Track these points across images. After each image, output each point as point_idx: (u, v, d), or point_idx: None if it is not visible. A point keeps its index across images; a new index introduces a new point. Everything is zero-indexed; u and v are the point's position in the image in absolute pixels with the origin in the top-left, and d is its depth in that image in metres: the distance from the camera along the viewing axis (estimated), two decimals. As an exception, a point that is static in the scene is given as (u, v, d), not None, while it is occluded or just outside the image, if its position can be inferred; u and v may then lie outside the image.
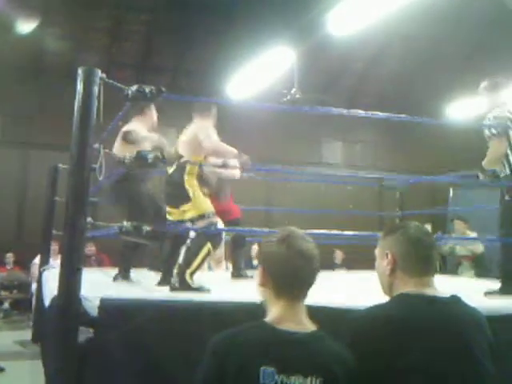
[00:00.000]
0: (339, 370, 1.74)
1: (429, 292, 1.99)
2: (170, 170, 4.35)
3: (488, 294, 3.95)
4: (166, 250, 4.91)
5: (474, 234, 7.66)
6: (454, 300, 2.03)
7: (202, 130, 4.41)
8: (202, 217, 4.18)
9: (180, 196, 4.22)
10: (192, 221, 4.20)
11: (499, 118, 4.22)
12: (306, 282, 1.88)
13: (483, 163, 4.32)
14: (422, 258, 2.03)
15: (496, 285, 4.13)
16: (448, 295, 2.02)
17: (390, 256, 2.05)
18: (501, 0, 7.29)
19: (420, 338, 1.86)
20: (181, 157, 4.35)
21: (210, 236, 4.08)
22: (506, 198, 4.21)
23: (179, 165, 4.29)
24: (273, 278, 1.86)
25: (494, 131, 4.22)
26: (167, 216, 4.39)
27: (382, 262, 2.08)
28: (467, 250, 7.57)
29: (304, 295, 1.88)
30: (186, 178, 4.24)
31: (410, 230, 2.08)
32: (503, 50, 9.94)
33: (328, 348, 1.80)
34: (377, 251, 2.13)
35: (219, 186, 5.49)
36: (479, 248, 7.62)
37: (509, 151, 4.20)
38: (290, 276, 1.84)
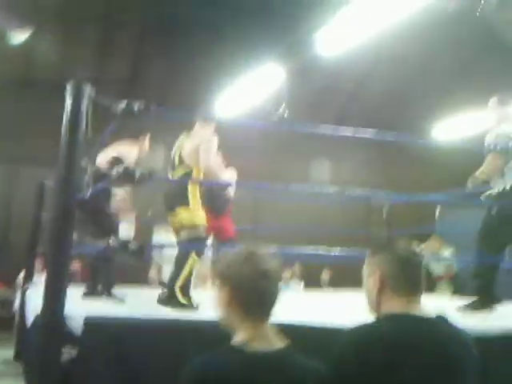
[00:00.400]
0: (313, 381, 1.77)
1: (416, 312, 1.98)
2: (173, 175, 4.38)
3: (459, 309, 3.98)
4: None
5: (450, 251, 7.76)
6: (441, 320, 2.02)
7: (204, 143, 4.41)
8: (193, 227, 4.18)
9: (179, 198, 4.22)
10: (182, 226, 4.20)
11: (501, 135, 4.28)
12: (272, 301, 1.86)
13: (476, 173, 4.38)
14: (411, 277, 2.02)
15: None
16: (435, 315, 2.01)
17: (378, 275, 2.03)
18: (488, 21, 7.37)
19: (407, 357, 1.85)
20: (182, 164, 4.37)
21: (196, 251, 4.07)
22: (492, 213, 4.25)
23: (183, 172, 4.34)
24: (238, 299, 1.83)
25: (492, 146, 4.29)
26: (180, 219, 4.34)
27: (370, 281, 2.06)
28: (442, 267, 7.64)
29: (270, 314, 1.86)
30: (189, 185, 4.27)
31: (399, 249, 2.07)
32: (491, 70, 10.05)
33: (299, 362, 1.81)
34: (364, 270, 2.11)
35: (222, 202, 5.50)
36: (454, 266, 7.74)
37: (506, 169, 4.25)
38: (256, 296, 1.82)
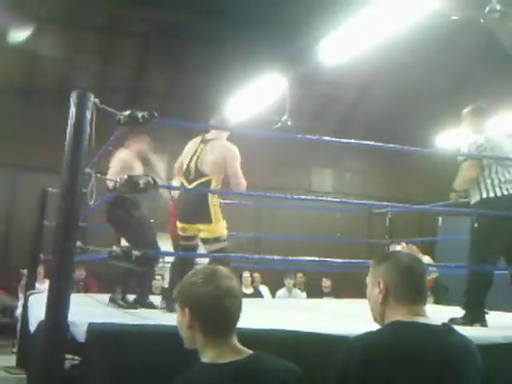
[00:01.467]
0: (290, 378, 1.82)
1: (421, 320, 1.99)
2: (189, 184, 4.30)
3: (451, 320, 3.95)
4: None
5: (427, 258, 7.80)
6: (446, 328, 2.03)
7: (231, 153, 4.42)
8: (216, 240, 4.20)
9: (200, 214, 4.18)
10: (206, 241, 4.22)
11: (474, 145, 4.29)
12: (235, 319, 1.88)
13: (454, 184, 4.40)
14: (414, 286, 2.03)
15: (456, 312, 4.13)
16: (440, 323, 2.02)
17: (382, 284, 2.04)
18: (490, 31, 7.39)
19: (411, 365, 1.86)
20: (201, 173, 4.30)
21: (221, 260, 4.03)
22: (475, 225, 4.25)
23: (203, 182, 4.28)
24: (201, 320, 1.84)
25: (465, 156, 4.31)
26: (179, 232, 4.36)
27: (374, 291, 2.07)
28: None
29: (234, 330, 1.88)
30: (209, 196, 4.20)
31: (403, 259, 2.08)
32: (493, 81, 10.08)
33: (272, 362, 1.85)
34: (368, 279, 2.12)
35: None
36: (432, 274, 7.81)
37: (481, 178, 4.25)
38: (220, 316, 1.84)
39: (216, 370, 1.77)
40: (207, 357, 1.83)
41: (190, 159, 4.41)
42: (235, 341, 1.87)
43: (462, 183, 4.38)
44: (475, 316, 3.93)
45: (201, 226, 4.22)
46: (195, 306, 1.84)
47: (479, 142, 4.29)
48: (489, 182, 4.22)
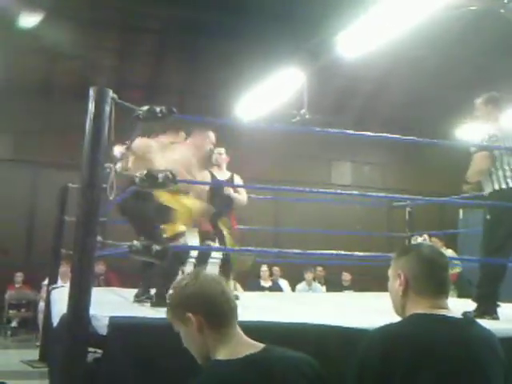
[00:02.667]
0: (307, 368, 1.83)
1: (442, 312, 1.98)
2: None
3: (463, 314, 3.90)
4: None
5: (450, 251, 7.72)
6: (468, 321, 2.01)
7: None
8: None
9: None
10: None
11: (487, 134, 4.23)
12: (235, 314, 1.90)
13: (466, 176, 4.34)
14: (436, 278, 2.02)
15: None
16: (462, 316, 2.00)
17: (402, 277, 2.03)
18: (510, 22, 7.30)
19: (432, 358, 1.84)
20: None
21: None
22: (487, 217, 4.20)
23: None
24: (208, 323, 1.85)
25: (477, 147, 4.25)
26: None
27: (395, 283, 2.06)
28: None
29: (236, 323, 1.89)
30: None
31: (424, 251, 2.07)
32: (510, 74, 9.96)
33: (287, 354, 1.85)
34: (389, 272, 2.11)
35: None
36: (456, 268, 7.72)
37: (493, 169, 4.19)
38: (222, 313, 1.86)
39: (234, 364, 1.77)
40: (222, 354, 1.83)
41: None
42: (243, 335, 1.88)
43: (475, 175, 4.31)
44: (486, 308, 3.87)
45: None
46: (199, 310, 1.85)
47: (492, 132, 4.23)
48: (501, 173, 4.15)
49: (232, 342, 1.84)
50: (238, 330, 1.89)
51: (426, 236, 7.88)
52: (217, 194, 5.34)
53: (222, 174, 5.55)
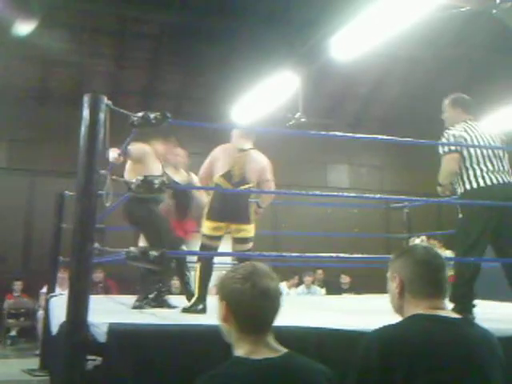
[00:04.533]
0: (322, 380, 1.80)
1: (440, 313, 1.98)
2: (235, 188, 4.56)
3: None
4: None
5: (449, 252, 7.73)
6: (467, 321, 2.02)
7: (268, 164, 4.87)
8: (251, 239, 4.62)
9: (246, 214, 4.57)
10: (242, 241, 4.57)
11: (454, 136, 4.24)
12: (271, 318, 1.87)
13: (438, 179, 4.35)
14: (430, 280, 2.02)
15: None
16: (460, 316, 2.00)
17: (398, 279, 2.05)
18: (502, 23, 7.32)
19: (431, 358, 1.84)
20: (245, 180, 4.59)
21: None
22: (459, 216, 4.20)
23: (246, 188, 4.58)
24: (235, 316, 1.84)
25: (446, 149, 4.24)
26: (208, 231, 4.52)
27: (392, 285, 2.08)
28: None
29: (270, 328, 1.86)
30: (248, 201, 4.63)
31: (418, 253, 2.08)
32: (505, 73, 9.99)
33: (305, 363, 1.84)
34: (387, 274, 2.13)
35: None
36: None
37: (463, 170, 4.20)
38: (253, 316, 1.83)
39: (249, 364, 1.77)
40: (241, 351, 1.82)
41: (232, 167, 4.64)
42: (271, 339, 1.86)
43: (445, 177, 4.31)
44: (461, 308, 3.85)
45: (243, 226, 4.54)
46: (231, 301, 1.84)
47: (457, 133, 4.24)
48: (471, 173, 4.15)
49: (255, 344, 1.82)
50: (267, 335, 1.86)
51: (423, 237, 7.88)
52: (178, 197, 5.44)
53: (178, 175, 5.57)
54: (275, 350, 1.83)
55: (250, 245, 4.61)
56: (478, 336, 1.97)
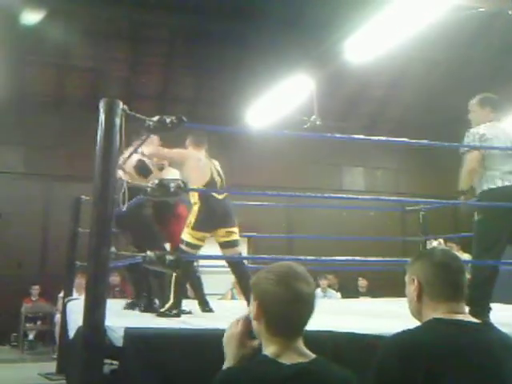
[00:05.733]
0: None
1: (459, 317, 1.96)
2: (220, 196, 4.60)
3: None
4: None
5: (467, 256, 7.66)
6: (486, 326, 1.99)
7: None
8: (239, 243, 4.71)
9: (233, 220, 4.64)
10: (236, 244, 4.65)
11: (476, 135, 4.19)
12: (302, 323, 1.83)
13: (459, 185, 4.27)
14: (449, 283, 2.00)
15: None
16: (479, 321, 1.98)
17: (416, 282, 2.03)
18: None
19: (449, 364, 1.82)
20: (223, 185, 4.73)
21: None
22: (477, 217, 4.13)
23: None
24: (267, 317, 1.81)
25: (467, 148, 4.20)
26: (222, 238, 4.62)
27: (410, 288, 2.06)
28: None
29: (300, 333, 1.83)
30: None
31: (436, 255, 2.06)
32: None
33: (334, 372, 1.80)
34: (406, 278, 2.11)
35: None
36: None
37: (482, 170, 4.13)
38: (285, 318, 1.80)
39: (277, 367, 1.74)
40: (269, 351, 1.80)
41: (219, 171, 4.79)
42: (300, 343, 1.83)
43: (466, 178, 4.22)
44: (477, 311, 3.79)
45: (232, 229, 4.63)
46: (262, 302, 1.82)
47: (481, 131, 4.18)
48: (490, 173, 4.10)
49: (284, 347, 1.79)
50: (298, 340, 1.83)
51: (441, 240, 7.81)
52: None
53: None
54: (304, 354, 1.81)
55: (239, 248, 4.74)
56: (497, 340, 1.94)
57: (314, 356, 1.82)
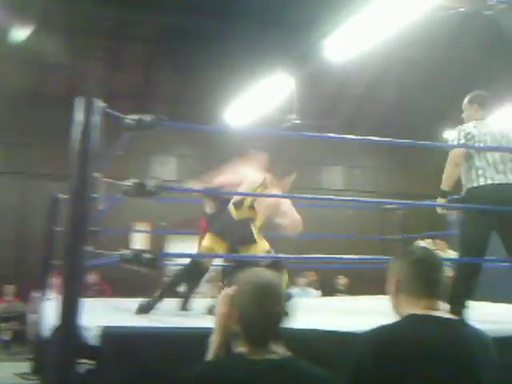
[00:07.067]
0: None
1: (435, 313, 1.98)
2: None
3: None
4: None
5: (454, 254, 7.74)
6: (462, 322, 2.02)
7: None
8: None
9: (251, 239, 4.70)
10: None
11: (463, 131, 4.23)
12: (272, 332, 1.87)
13: (442, 184, 4.31)
14: (425, 279, 2.03)
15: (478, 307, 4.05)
16: (455, 317, 2.01)
17: (394, 279, 2.08)
18: (497, 25, 7.35)
19: (424, 358, 1.85)
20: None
21: None
22: (462, 216, 4.20)
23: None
24: (241, 324, 1.87)
25: (453, 144, 4.24)
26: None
27: (390, 285, 2.10)
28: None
29: (270, 336, 1.86)
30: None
31: (414, 253, 2.10)
32: (502, 73, 10.02)
33: (305, 368, 1.82)
34: (388, 275, 2.15)
35: None
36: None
37: (467, 168, 4.17)
38: (259, 324, 1.85)
39: (249, 363, 1.78)
40: (242, 350, 1.84)
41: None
42: (274, 344, 1.86)
43: (449, 173, 4.26)
44: (457, 308, 3.82)
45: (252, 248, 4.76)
46: (240, 312, 1.88)
47: (467, 129, 4.22)
48: (475, 171, 4.15)
49: (255, 346, 1.83)
50: (270, 341, 1.86)
51: (429, 240, 7.84)
52: None
53: None
54: (276, 352, 1.83)
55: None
56: (471, 336, 1.98)
57: (287, 354, 1.84)
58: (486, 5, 6.65)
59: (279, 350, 1.84)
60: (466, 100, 4.48)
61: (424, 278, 2.03)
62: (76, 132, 2.85)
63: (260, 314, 1.83)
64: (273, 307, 1.85)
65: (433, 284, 2.04)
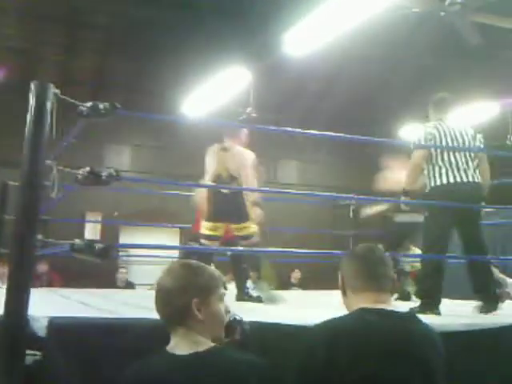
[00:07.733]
0: (249, 373, 1.79)
1: (382, 307, 2.02)
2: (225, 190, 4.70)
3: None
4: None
5: (418, 250, 7.86)
6: (410, 316, 2.06)
7: (250, 161, 5.15)
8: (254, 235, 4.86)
9: (243, 214, 4.80)
10: (250, 237, 4.83)
11: (424, 133, 4.34)
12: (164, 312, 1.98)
13: (405, 184, 4.43)
14: (368, 274, 2.08)
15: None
16: (404, 311, 2.05)
17: (340, 276, 2.14)
18: (450, 25, 7.47)
19: (373, 351, 1.88)
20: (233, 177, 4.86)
21: None
22: (425, 214, 4.32)
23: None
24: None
25: (414, 144, 4.36)
26: (206, 231, 4.83)
27: (339, 283, 2.16)
28: (409, 266, 7.73)
29: (175, 322, 1.94)
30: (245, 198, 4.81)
31: (356, 250, 2.16)
32: (454, 74, 10.22)
33: (232, 357, 1.85)
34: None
35: None
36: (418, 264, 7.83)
37: (430, 166, 4.29)
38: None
39: (169, 358, 1.83)
40: (170, 344, 1.90)
41: (218, 165, 5.00)
42: (193, 333, 1.89)
43: (411, 173, 4.39)
44: (428, 303, 3.93)
45: (243, 225, 4.84)
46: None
47: (428, 129, 4.34)
48: (437, 169, 4.25)
49: (178, 337, 1.90)
50: (179, 329, 1.91)
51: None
52: None
53: None
54: (200, 343, 1.86)
55: (255, 240, 4.89)
56: (419, 330, 2.02)
57: (211, 345, 1.87)
58: (438, 6, 6.76)
59: (203, 340, 1.89)
60: (429, 103, 4.60)
61: (367, 273, 2.08)
62: (28, 118, 2.80)
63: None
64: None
65: (377, 278, 2.07)
